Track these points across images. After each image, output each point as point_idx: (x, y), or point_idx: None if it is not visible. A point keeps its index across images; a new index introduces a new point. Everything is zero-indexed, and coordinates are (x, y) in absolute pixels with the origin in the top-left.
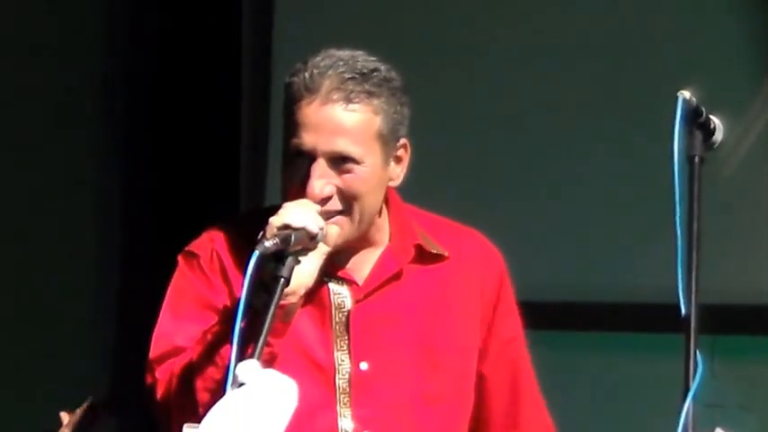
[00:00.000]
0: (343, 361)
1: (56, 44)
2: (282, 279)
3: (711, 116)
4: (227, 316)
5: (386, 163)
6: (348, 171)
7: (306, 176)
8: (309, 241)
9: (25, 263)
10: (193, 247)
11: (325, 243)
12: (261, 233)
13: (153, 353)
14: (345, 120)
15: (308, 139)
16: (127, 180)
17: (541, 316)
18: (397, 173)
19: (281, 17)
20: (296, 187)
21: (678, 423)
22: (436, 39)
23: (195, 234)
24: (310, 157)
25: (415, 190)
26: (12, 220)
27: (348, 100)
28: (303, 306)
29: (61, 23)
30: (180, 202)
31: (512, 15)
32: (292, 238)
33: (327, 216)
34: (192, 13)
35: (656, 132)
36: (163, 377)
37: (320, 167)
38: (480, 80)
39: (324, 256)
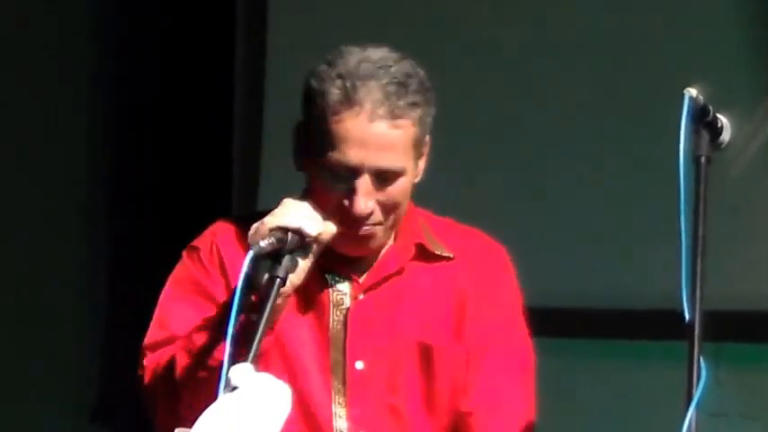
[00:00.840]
0: (338, 360)
1: (56, 44)
2: (279, 279)
3: (719, 115)
4: (218, 312)
5: (417, 164)
6: (391, 184)
7: (348, 191)
8: (303, 241)
9: (25, 263)
10: (196, 240)
11: (320, 241)
12: (253, 231)
13: (148, 339)
14: (391, 136)
15: (353, 155)
16: (128, 180)
17: (542, 322)
18: (421, 168)
19: (275, 18)
20: (335, 201)
21: None
22: (436, 39)
23: (193, 233)
24: (354, 172)
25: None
26: (12, 220)
27: (394, 116)
28: (301, 304)
29: (61, 23)
30: (178, 202)
31: (512, 15)
32: (288, 239)
33: (364, 226)
34: (189, 13)
35: (658, 133)
36: (150, 364)
37: (366, 184)
38: (480, 80)
39: (315, 257)
